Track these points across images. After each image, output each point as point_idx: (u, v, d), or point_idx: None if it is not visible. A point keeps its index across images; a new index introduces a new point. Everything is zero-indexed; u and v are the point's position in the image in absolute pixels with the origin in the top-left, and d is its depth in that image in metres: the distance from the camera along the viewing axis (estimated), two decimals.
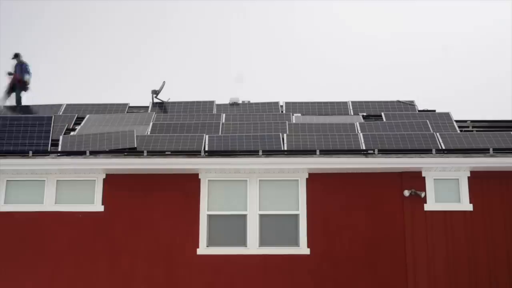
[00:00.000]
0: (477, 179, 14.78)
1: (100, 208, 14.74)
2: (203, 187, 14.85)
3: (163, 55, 45.07)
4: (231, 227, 14.74)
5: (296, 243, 14.60)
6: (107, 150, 15.22)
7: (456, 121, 18.06)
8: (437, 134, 15.99)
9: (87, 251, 14.50)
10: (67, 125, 17.41)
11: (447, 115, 18.17)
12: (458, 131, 17.06)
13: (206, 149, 15.37)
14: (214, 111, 19.21)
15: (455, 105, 32.67)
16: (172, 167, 14.77)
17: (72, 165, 14.75)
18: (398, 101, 19.70)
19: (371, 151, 15.34)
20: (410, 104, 19.55)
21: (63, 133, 16.81)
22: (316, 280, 14.37)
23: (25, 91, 20.27)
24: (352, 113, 18.99)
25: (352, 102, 19.60)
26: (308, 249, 14.53)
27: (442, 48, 42.78)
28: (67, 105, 19.48)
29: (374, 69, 42.95)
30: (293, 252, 14.53)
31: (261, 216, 14.76)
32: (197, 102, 19.73)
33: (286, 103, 19.68)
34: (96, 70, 44.24)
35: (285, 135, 16.05)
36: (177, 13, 45.95)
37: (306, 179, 14.88)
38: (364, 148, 15.38)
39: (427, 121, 17.43)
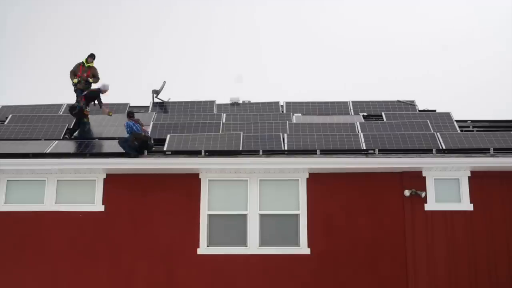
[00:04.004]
0: (477, 179, 14.77)
1: (100, 207, 14.73)
2: (203, 187, 14.84)
3: (163, 55, 45.08)
4: (231, 227, 14.73)
5: (296, 243, 14.59)
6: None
7: (457, 121, 18.07)
8: (438, 134, 15.98)
9: (87, 251, 14.50)
10: (67, 125, 17.41)
11: (447, 115, 18.17)
12: (459, 131, 17.06)
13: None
14: (215, 111, 19.21)
15: (455, 105, 32.69)
16: (172, 167, 14.76)
17: (73, 165, 14.74)
18: (399, 101, 19.70)
19: (372, 151, 15.34)
20: (411, 104, 19.56)
21: (63, 133, 16.82)
22: (317, 280, 14.36)
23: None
24: (352, 113, 18.99)
25: (353, 102, 19.60)
26: (309, 249, 14.52)
27: (442, 48, 42.84)
28: (68, 105, 19.46)
29: (375, 69, 42.96)
30: (294, 252, 14.52)
31: (261, 216, 14.74)
32: (198, 102, 19.73)
33: (287, 103, 19.67)
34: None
35: (285, 135, 16.05)
36: (177, 13, 45.96)
37: (307, 179, 14.87)
38: (364, 148, 15.37)
39: (428, 121, 17.43)
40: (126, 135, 15.46)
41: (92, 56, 18.26)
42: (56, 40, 45.98)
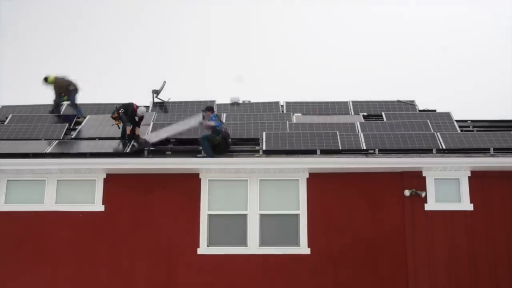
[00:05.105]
0: (477, 178, 14.77)
1: (100, 207, 14.73)
2: (203, 187, 14.84)
3: (163, 55, 45.08)
4: (231, 226, 14.73)
5: (296, 242, 14.59)
6: None
7: (457, 120, 18.07)
8: (438, 133, 15.99)
9: (87, 251, 14.50)
10: (67, 125, 17.40)
11: (447, 115, 18.17)
12: (459, 131, 17.06)
13: None
14: (215, 110, 19.17)
15: (455, 105, 32.69)
16: (172, 167, 14.76)
17: (73, 165, 14.74)
18: (399, 101, 19.69)
19: (372, 151, 15.34)
20: (411, 104, 19.55)
21: (63, 133, 16.82)
22: (317, 280, 14.37)
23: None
24: (352, 113, 18.98)
25: (353, 101, 19.60)
26: (309, 249, 14.52)
27: (442, 48, 42.86)
28: (68, 104, 19.46)
29: (375, 69, 42.96)
30: (294, 251, 14.52)
31: (261, 215, 14.74)
32: (198, 102, 19.70)
33: (287, 103, 19.67)
34: (97, 69, 44.24)
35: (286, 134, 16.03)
36: (177, 13, 45.96)
37: (307, 178, 14.87)
38: (364, 148, 15.37)
39: (428, 121, 17.43)
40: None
41: (45, 79, 18.63)
42: (56, 40, 45.98)
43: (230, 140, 15.49)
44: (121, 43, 45.32)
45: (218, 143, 15.06)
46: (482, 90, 41.06)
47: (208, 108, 16.04)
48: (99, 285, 14.35)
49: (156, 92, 19.75)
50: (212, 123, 15.31)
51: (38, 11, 46.21)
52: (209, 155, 14.87)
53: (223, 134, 15.22)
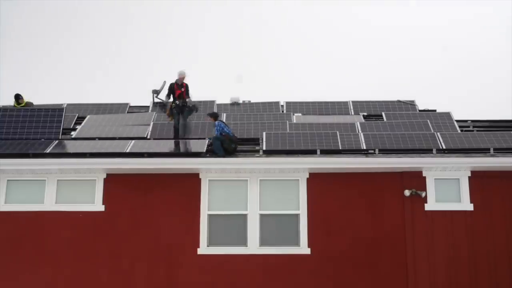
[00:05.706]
0: (477, 178, 14.76)
1: (100, 207, 14.73)
2: (203, 187, 14.83)
3: (163, 55, 45.08)
4: (231, 226, 14.72)
5: (296, 243, 14.59)
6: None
7: (457, 120, 18.09)
8: (438, 133, 15.99)
9: (87, 251, 14.49)
10: (65, 124, 17.39)
11: (447, 115, 18.19)
12: (459, 131, 17.07)
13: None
14: (215, 110, 19.19)
15: (455, 105, 32.71)
16: (172, 167, 14.75)
17: (73, 165, 14.73)
18: (399, 101, 19.71)
19: (372, 151, 15.34)
20: (411, 104, 19.57)
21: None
22: (317, 280, 14.36)
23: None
24: (352, 113, 19.00)
25: (353, 102, 19.62)
26: (309, 249, 14.51)
27: (442, 48, 42.88)
28: (68, 105, 19.49)
29: (375, 69, 42.97)
30: (294, 252, 14.52)
31: (261, 215, 14.74)
32: (197, 102, 19.71)
33: (287, 102, 19.69)
34: (97, 70, 44.26)
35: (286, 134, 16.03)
36: (177, 13, 45.97)
37: (307, 178, 14.86)
38: (364, 148, 15.37)
39: (428, 120, 17.44)
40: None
41: (18, 97, 18.64)
42: (56, 40, 45.98)
43: (236, 144, 15.48)
44: (122, 43, 45.33)
45: (232, 150, 15.06)
46: (482, 90, 41.09)
47: (211, 114, 16.02)
48: (99, 285, 14.34)
49: (156, 92, 19.77)
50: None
51: (39, 9, 46.24)
52: (220, 154, 14.85)
53: (233, 140, 15.23)
